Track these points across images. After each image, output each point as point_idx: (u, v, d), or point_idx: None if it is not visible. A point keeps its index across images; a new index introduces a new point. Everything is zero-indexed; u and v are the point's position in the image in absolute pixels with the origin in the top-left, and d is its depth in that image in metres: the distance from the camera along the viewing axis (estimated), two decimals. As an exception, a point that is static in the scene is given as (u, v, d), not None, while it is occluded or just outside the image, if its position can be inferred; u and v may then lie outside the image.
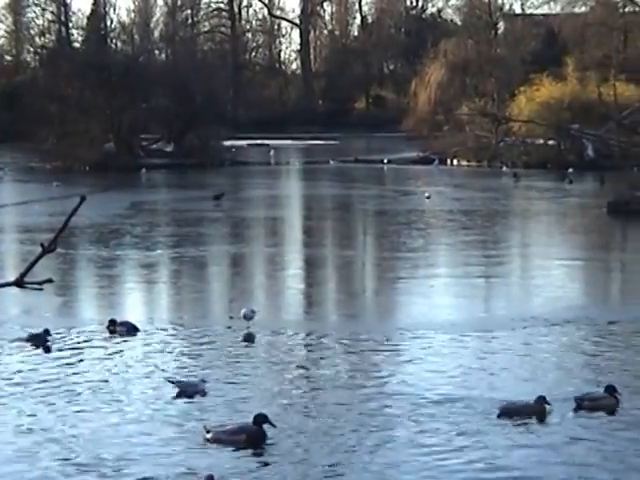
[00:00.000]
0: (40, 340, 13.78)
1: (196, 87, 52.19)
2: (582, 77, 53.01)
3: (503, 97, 54.97)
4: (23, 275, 3.86)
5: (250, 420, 10.03)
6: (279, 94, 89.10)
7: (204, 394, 11.35)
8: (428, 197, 33.95)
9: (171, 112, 51.15)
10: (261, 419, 9.96)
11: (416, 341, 13.91)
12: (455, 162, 51.04)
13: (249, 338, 14.10)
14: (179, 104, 50.87)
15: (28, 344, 13.68)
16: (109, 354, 13.28)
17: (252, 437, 9.84)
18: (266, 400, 11.19)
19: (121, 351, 13.43)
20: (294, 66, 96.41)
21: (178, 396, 11.31)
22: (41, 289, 3.91)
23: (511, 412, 10.58)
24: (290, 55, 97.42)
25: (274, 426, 9.99)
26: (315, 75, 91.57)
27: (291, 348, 13.63)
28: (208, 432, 9.86)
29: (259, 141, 65.33)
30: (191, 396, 11.29)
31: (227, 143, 54.80)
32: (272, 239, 26.62)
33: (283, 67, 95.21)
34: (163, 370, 12.41)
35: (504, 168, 46.76)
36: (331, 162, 53.14)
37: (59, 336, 14.11)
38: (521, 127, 50.49)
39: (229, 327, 14.69)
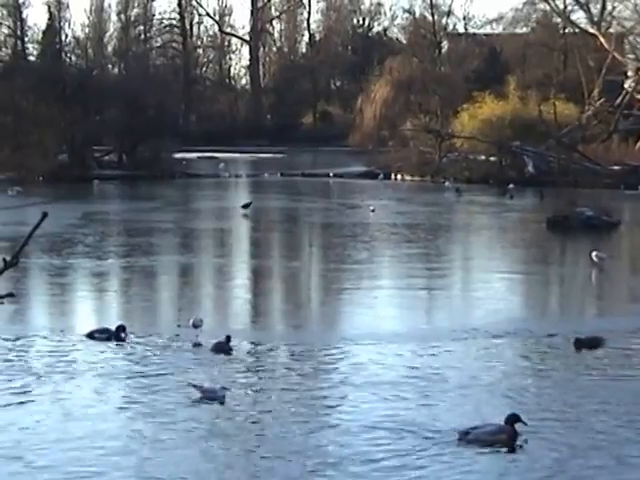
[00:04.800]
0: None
1: (148, 101, 52.70)
2: (523, 96, 53.99)
3: (446, 114, 55.73)
4: (-16, 290, 4.14)
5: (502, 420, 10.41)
6: (229, 108, 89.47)
7: (223, 401, 11.59)
8: (373, 210, 34.47)
9: (123, 125, 51.36)
10: (514, 418, 10.38)
11: (359, 351, 14.16)
12: (399, 177, 51.81)
13: (197, 346, 14.36)
14: (131, 117, 51.16)
15: None
16: (63, 359, 13.61)
17: (511, 436, 10.28)
18: (216, 405, 11.50)
19: (72, 358, 13.75)
20: (244, 81, 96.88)
21: (200, 400, 11.57)
22: (2, 303, 4.21)
23: None
24: (240, 71, 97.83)
25: (526, 424, 10.40)
26: (264, 90, 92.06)
27: (236, 356, 13.85)
28: (467, 433, 10.19)
29: (209, 154, 65.68)
30: (214, 400, 11.53)
31: (178, 155, 55.17)
32: (221, 250, 26.97)
33: (233, 82, 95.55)
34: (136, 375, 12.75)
35: (447, 183, 47.40)
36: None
37: (9, 344, 14.38)
38: (463, 143, 51.34)
39: (177, 335, 14.90)
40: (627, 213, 35.71)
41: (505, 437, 10.24)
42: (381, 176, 51.44)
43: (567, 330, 15.65)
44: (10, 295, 4.23)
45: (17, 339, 14.84)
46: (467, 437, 10.15)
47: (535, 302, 19.65)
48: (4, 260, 4.12)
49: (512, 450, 10.19)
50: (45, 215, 4.27)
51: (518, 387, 12.46)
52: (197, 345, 14.41)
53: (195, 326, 14.99)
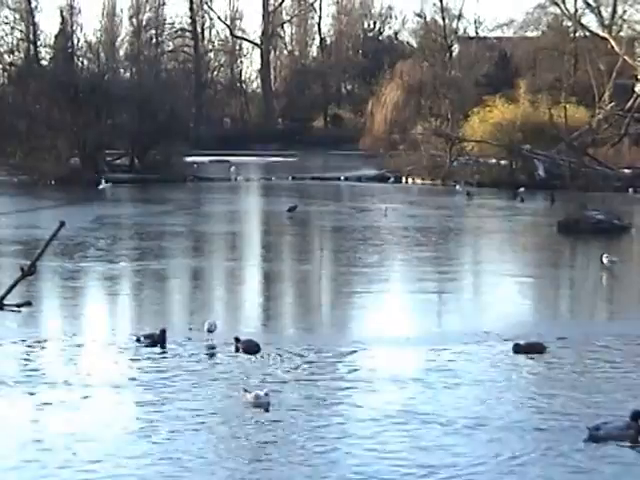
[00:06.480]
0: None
1: (160, 105, 52.79)
2: (534, 99, 53.93)
3: (457, 118, 55.86)
4: (2, 298, 4.08)
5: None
6: (240, 112, 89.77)
7: (267, 408, 11.63)
8: (384, 214, 34.55)
9: (135, 129, 51.54)
10: (638, 415, 10.85)
11: (371, 354, 14.24)
12: (410, 180, 51.85)
13: (212, 349, 14.52)
14: (143, 121, 51.33)
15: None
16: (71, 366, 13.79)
17: (637, 432, 10.77)
18: (235, 408, 11.64)
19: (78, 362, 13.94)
20: (255, 85, 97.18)
21: (247, 406, 11.66)
22: (19, 311, 4.12)
23: None
24: (251, 74, 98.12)
25: None
26: (275, 94, 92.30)
27: (248, 359, 13.98)
28: (597, 429, 10.61)
29: (220, 157, 65.87)
30: (259, 407, 11.60)
31: (189, 159, 55.32)
32: (232, 253, 27.04)
33: (244, 86, 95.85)
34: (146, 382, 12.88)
35: (457, 186, 47.33)
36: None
37: (18, 349, 14.52)
38: (474, 147, 51.35)
39: (189, 338, 15.04)
40: (638, 217, 35.64)
41: (633, 432, 10.74)
42: (392, 179, 51.51)
43: (578, 333, 15.80)
44: (28, 304, 4.17)
45: (29, 344, 14.91)
46: (598, 433, 10.59)
47: (546, 306, 19.71)
48: (22, 269, 4.10)
49: (637, 445, 10.65)
50: (62, 224, 4.23)
51: (530, 388, 12.57)
52: (212, 348, 14.52)
53: (209, 331, 15.08)
